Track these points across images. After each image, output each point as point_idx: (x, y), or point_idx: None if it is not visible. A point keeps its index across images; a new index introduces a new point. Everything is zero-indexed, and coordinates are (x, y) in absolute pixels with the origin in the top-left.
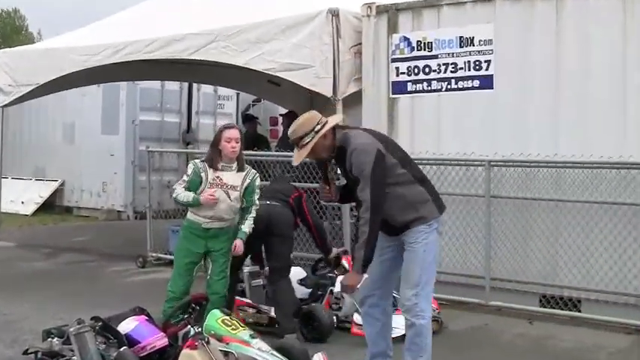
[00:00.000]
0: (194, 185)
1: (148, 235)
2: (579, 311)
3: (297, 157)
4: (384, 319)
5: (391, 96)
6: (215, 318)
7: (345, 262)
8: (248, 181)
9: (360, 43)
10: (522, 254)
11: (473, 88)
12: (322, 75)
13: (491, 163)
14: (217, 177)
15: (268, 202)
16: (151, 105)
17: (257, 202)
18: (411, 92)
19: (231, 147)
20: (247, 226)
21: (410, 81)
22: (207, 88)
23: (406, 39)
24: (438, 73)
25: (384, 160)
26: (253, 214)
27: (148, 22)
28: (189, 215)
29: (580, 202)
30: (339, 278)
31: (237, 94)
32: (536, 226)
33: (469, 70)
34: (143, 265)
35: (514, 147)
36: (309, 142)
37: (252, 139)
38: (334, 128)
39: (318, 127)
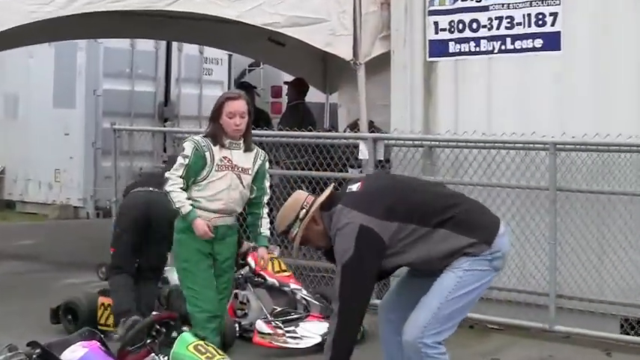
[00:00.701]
0: (195, 169)
1: None
2: None
3: (295, 249)
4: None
5: (428, 59)
6: (185, 344)
7: (251, 260)
8: (259, 162)
9: None
10: (598, 265)
11: (535, 49)
12: (340, 31)
13: (558, 146)
14: (225, 157)
15: (151, 190)
16: (118, 70)
17: (268, 190)
18: (454, 54)
19: (234, 124)
20: (267, 227)
21: (453, 40)
22: (191, 49)
23: None
24: (490, 29)
25: (371, 235)
26: (266, 207)
27: None
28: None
29: None
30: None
31: (230, 57)
32: (616, 229)
33: (529, 25)
34: (107, 276)
35: (588, 126)
36: (296, 233)
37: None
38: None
39: (302, 212)
